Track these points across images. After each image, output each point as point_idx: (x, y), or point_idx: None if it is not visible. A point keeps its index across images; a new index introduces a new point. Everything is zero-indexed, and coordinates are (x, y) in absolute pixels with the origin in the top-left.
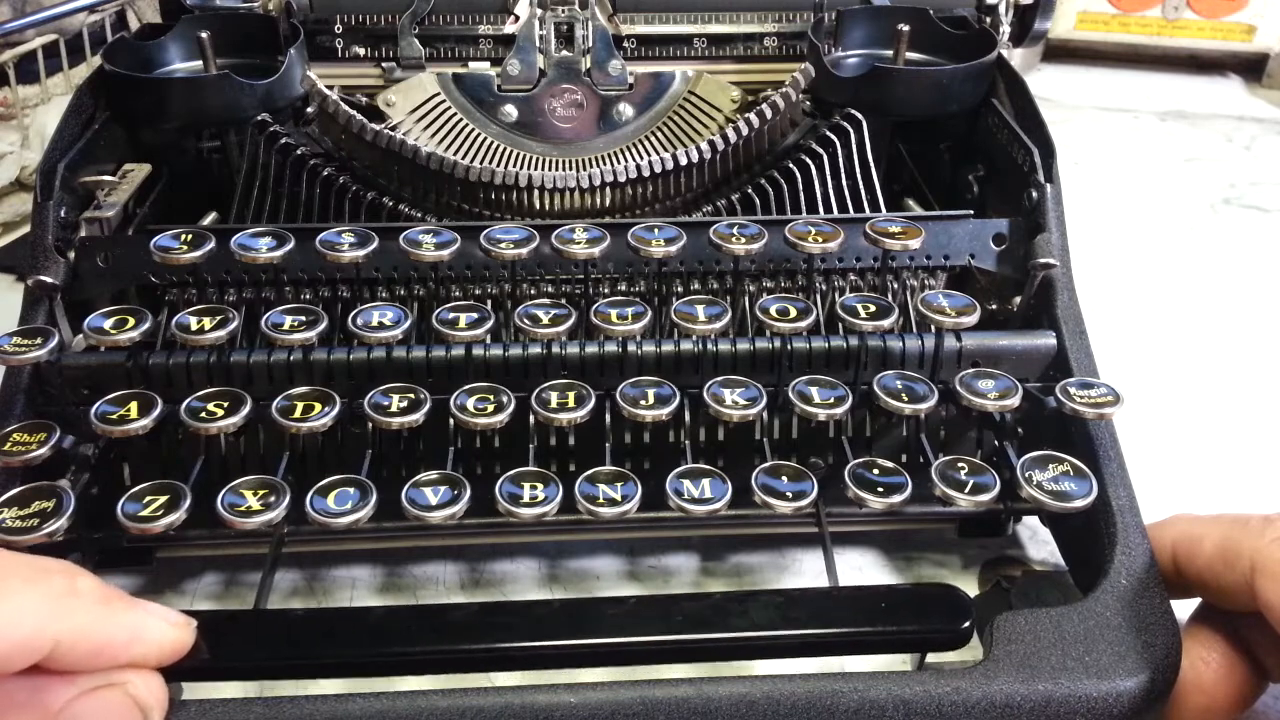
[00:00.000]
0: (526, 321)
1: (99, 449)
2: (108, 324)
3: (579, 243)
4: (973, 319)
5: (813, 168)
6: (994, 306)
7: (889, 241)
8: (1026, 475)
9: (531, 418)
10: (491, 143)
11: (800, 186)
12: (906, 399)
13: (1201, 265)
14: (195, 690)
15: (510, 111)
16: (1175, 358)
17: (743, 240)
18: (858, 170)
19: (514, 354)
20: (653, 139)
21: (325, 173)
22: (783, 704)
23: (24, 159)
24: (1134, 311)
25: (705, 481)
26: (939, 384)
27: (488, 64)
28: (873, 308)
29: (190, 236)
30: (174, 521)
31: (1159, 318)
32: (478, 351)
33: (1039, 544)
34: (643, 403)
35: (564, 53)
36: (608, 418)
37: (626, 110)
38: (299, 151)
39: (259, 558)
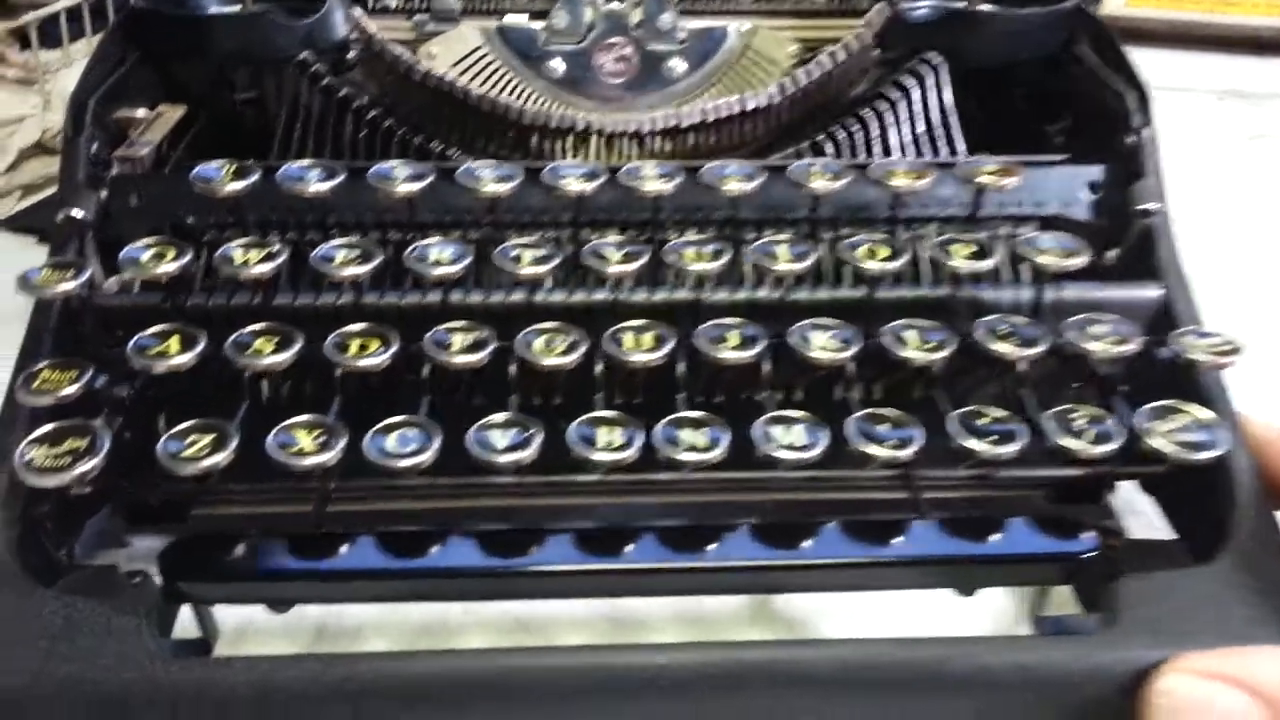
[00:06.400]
0: (595, 260)
1: (134, 391)
2: (145, 256)
3: (649, 178)
4: (1082, 261)
5: (888, 114)
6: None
7: (986, 179)
8: (1147, 427)
9: (602, 361)
10: (537, 98)
11: (873, 135)
12: (1017, 343)
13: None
14: (243, 646)
15: (556, 66)
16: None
17: (825, 177)
18: (937, 115)
19: (578, 299)
20: (706, 96)
21: (371, 115)
22: (888, 669)
23: (46, 121)
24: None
25: (797, 428)
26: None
27: (526, 17)
28: (973, 247)
29: (235, 167)
30: (219, 463)
31: (1242, 291)
32: (540, 298)
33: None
34: (724, 344)
35: (613, 5)
36: (679, 367)
37: (678, 66)
38: (343, 93)
39: (301, 517)
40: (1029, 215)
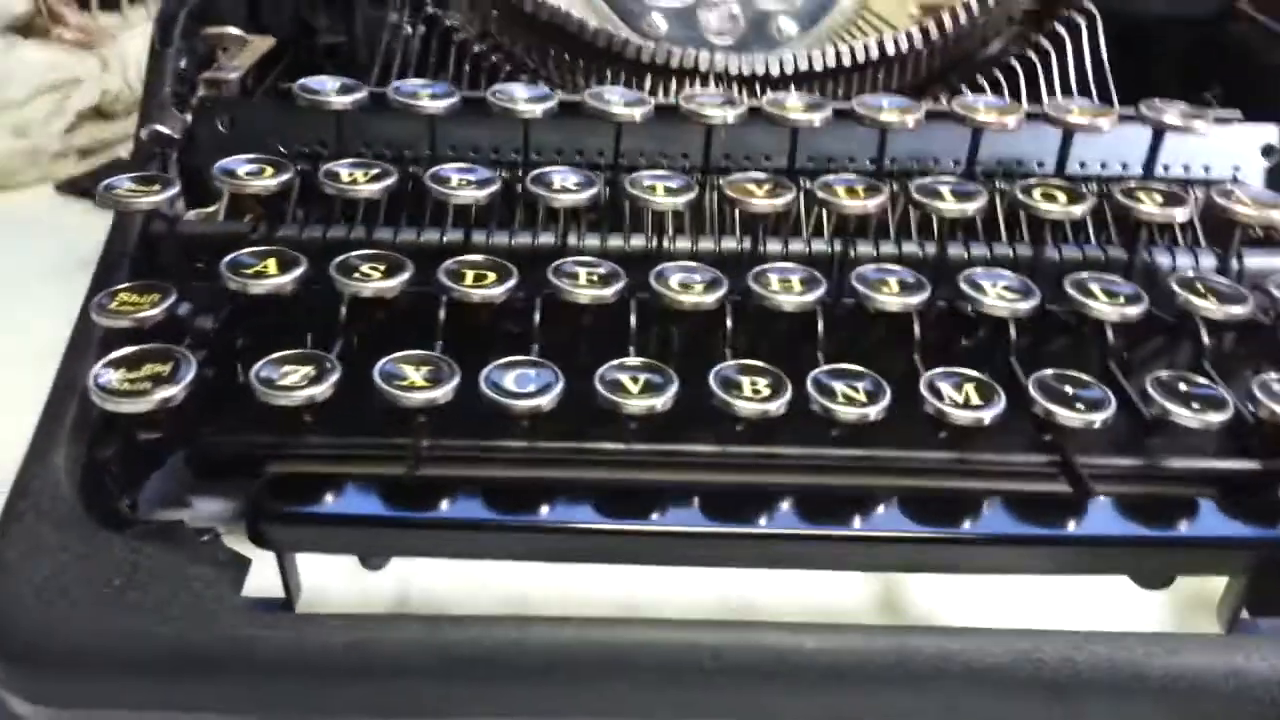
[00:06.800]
0: (736, 193)
1: (220, 324)
2: (242, 170)
3: (794, 109)
4: None
5: (1038, 65)
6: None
7: (1174, 119)
8: None
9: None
10: None
11: (1020, 89)
12: (1215, 300)
13: None
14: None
15: (658, 23)
16: None
17: (994, 113)
18: (1090, 70)
19: (706, 246)
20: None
21: (476, 50)
22: (1076, 667)
23: (104, 84)
24: None
25: (971, 386)
26: None
27: None
28: (1159, 196)
29: (341, 83)
30: (319, 395)
31: None
32: (668, 245)
33: None
34: (886, 289)
35: None
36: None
37: (788, 27)
38: (447, 24)
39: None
40: (1197, 180)
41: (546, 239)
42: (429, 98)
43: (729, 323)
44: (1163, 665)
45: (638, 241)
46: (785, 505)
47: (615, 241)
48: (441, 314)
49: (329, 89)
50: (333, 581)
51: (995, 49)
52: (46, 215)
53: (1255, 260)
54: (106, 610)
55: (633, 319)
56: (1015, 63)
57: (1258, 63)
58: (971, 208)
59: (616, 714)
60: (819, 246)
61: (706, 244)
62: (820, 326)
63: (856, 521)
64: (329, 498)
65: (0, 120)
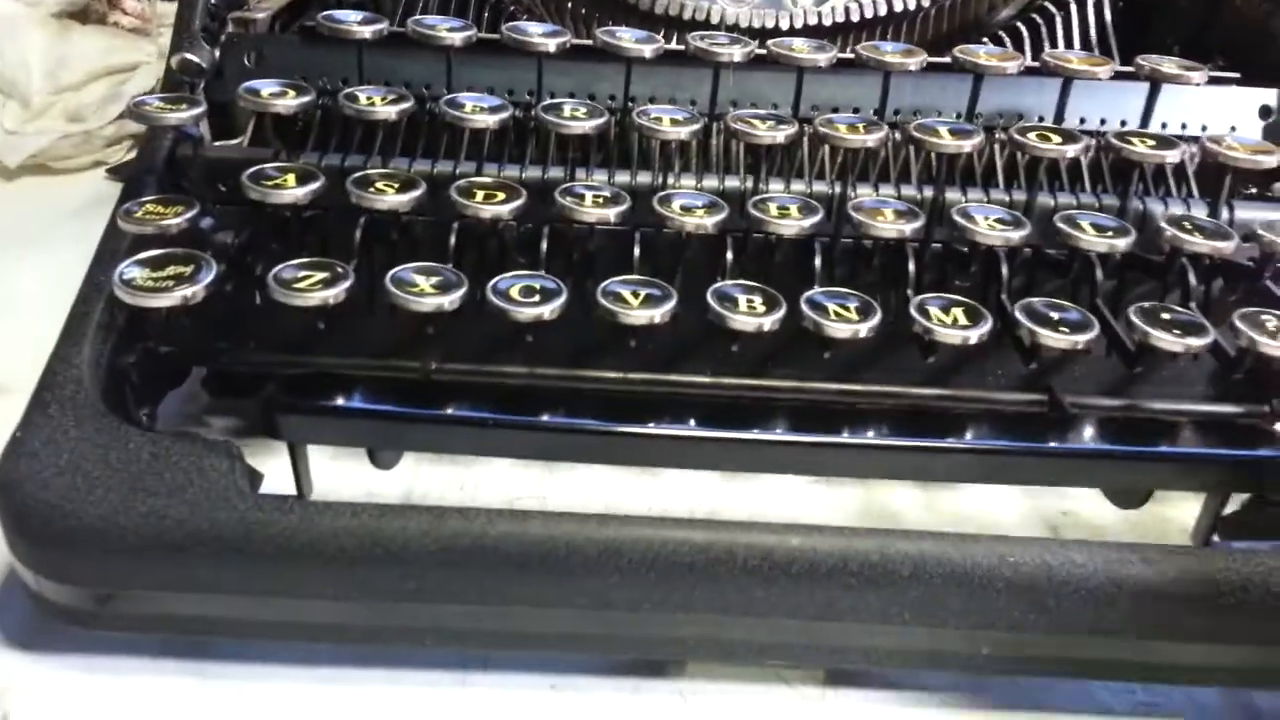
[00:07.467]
0: (740, 124)
1: (239, 241)
2: (266, 91)
3: (801, 50)
4: (1273, 160)
5: (1044, 28)
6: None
7: (1171, 69)
8: None
9: (729, 243)
10: None
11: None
12: (1202, 236)
13: None
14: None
15: None
16: None
17: (994, 59)
18: (1095, 35)
19: (710, 184)
20: None
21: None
22: (1051, 570)
23: (160, 71)
24: None
25: (958, 310)
26: None
27: None
28: (1151, 140)
29: (364, 15)
30: (332, 298)
31: None
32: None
33: None
34: (881, 217)
35: None
36: (817, 246)
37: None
38: None
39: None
40: (1193, 138)
41: (556, 173)
42: (447, 30)
43: (729, 255)
44: (1136, 573)
45: (644, 179)
46: (779, 416)
47: (622, 178)
48: (453, 240)
49: (352, 20)
50: (342, 488)
51: (1003, 15)
52: (98, 201)
53: (1246, 213)
54: (124, 493)
55: (636, 250)
56: (1021, 25)
57: (1257, 32)
58: (968, 145)
59: (608, 607)
60: (820, 188)
61: (710, 182)
62: (818, 261)
63: (844, 432)
64: (340, 396)
65: (54, 105)
